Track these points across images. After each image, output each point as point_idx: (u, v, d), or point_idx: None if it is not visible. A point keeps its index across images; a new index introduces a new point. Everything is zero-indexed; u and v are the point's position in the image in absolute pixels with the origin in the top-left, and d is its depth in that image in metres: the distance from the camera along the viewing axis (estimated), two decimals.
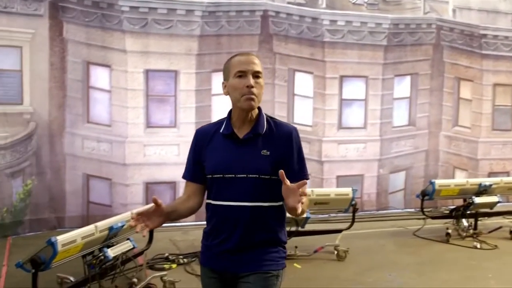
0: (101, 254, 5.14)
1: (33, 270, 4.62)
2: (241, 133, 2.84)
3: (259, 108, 2.88)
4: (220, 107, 9.03)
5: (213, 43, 8.89)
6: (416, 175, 10.19)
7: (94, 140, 8.58)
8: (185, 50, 8.81)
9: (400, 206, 9.96)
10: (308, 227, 6.94)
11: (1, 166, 7.97)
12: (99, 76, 8.71)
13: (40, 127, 8.28)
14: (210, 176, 2.83)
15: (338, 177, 9.61)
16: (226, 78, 2.86)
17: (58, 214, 8.42)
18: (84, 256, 5.15)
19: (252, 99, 2.77)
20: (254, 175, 2.77)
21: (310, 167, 9.19)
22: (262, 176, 2.78)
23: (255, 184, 2.78)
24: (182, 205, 2.90)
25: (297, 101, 9.48)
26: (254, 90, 2.77)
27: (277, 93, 9.37)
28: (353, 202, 7.10)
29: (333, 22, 9.30)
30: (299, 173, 2.84)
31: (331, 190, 7.80)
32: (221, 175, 2.80)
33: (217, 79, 8.99)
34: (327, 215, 8.33)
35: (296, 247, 6.82)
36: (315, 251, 6.90)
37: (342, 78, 9.52)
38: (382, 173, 9.87)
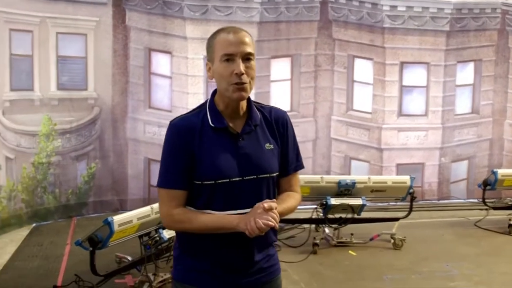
0: (156, 235, 5.27)
1: (91, 248, 4.80)
2: (235, 125, 2.38)
3: None
4: (279, 93, 9.11)
5: (272, 29, 8.91)
6: (479, 165, 9.91)
7: (155, 125, 8.76)
8: None
9: (463, 196, 9.73)
10: (365, 214, 6.90)
11: (66, 150, 8.28)
12: (160, 63, 8.88)
13: (103, 112, 8.54)
14: (212, 182, 2.32)
15: (398, 165, 9.48)
16: (210, 59, 2.39)
17: (120, 196, 8.68)
18: (140, 237, 5.29)
19: (243, 89, 2.30)
20: (265, 175, 2.37)
21: (369, 154, 9.33)
22: (272, 175, 2.41)
23: (266, 185, 2.39)
24: None
25: (356, 88, 9.38)
26: (245, 77, 2.29)
27: (336, 80, 9.32)
28: (411, 190, 6.97)
29: (394, 7, 9.12)
30: (296, 163, 2.53)
31: (388, 177, 7.69)
32: (227, 180, 2.32)
33: (276, 66, 9.06)
34: (386, 204, 8.28)
35: (351, 234, 6.80)
36: (371, 239, 6.85)
37: (402, 64, 9.34)
38: (444, 161, 9.67)
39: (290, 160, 2.49)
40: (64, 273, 5.86)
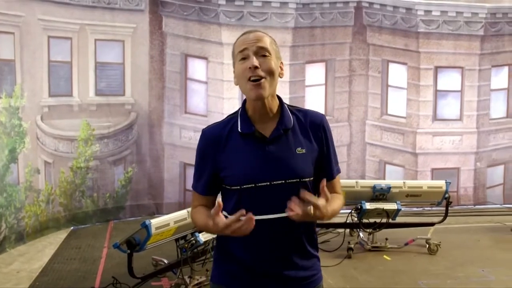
0: (192, 238, 5.33)
1: (129, 251, 4.89)
2: (264, 130, 2.31)
3: (278, 98, 2.37)
4: (314, 98, 9.14)
5: (306, 35, 8.97)
6: None
7: (191, 130, 8.86)
8: (279, 42, 8.83)
9: (499, 202, 9.62)
10: (400, 219, 6.88)
11: (104, 154, 8.45)
12: (196, 68, 9.00)
13: (140, 117, 8.69)
14: (238, 187, 2.28)
15: (433, 169, 9.43)
16: (233, 64, 2.34)
17: (156, 200, 8.81)
18: (177, 240, 5.38)
19: (259, 86, 2.22)
20: (294, 180, 2.26)
21: (404, 159, 9.28)
22: (304, 180, 2.29)
23: (296, 190, 2.19)
24: None
25: (390, 92, 9.39)
26: (259, 71, 2.21)
27: (370, 84, 9.34)
28: (447, 195, 6.93)
29: (428, 12, 9.11)
30: (336, 166, 2.44)
31: (424, 182, 7.63)
32: (253, 184, 2.25)
33: (311, 71, 9.09)
34: (421, 208, 8.25)
35: (386, 239, 6.79)
36: (406, 244, 6.82)
37: (437, 69, 9.32)
38: (479, 166, 9.58)
39: (333, 164, 2.42)
40: (102, 276, 5.97)
